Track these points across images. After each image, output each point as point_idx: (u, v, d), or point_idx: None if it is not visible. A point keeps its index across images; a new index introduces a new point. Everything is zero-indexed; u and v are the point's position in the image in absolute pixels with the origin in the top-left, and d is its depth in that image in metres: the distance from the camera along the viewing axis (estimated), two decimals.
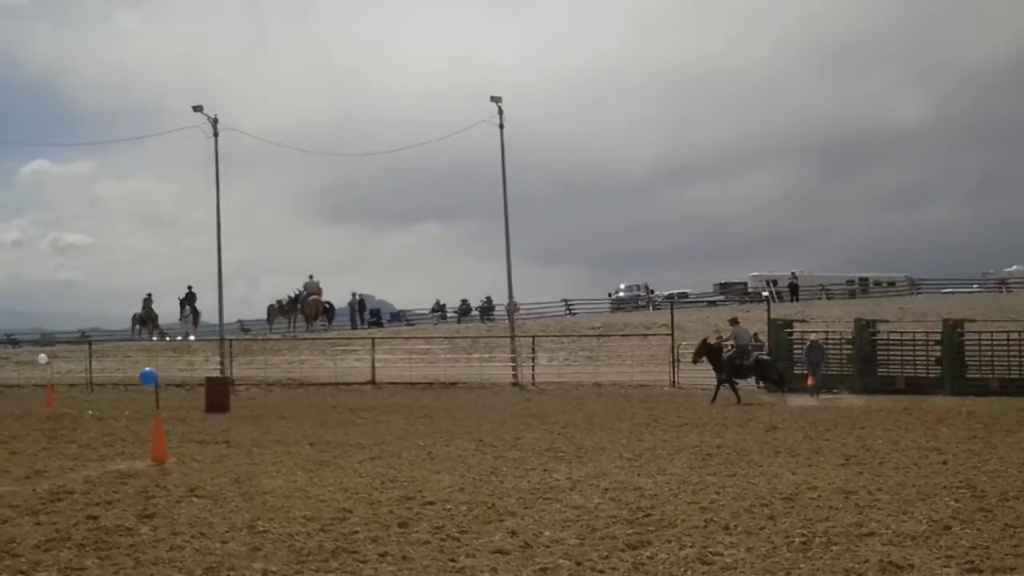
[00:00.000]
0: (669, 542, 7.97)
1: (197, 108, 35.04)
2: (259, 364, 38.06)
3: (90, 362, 36.70)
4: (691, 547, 7.78)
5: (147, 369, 15.47)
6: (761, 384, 27.77)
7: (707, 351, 26.58)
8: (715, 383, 25.91)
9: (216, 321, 40.44)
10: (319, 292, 49.60)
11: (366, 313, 53.00)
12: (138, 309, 50.30)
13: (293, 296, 50.18)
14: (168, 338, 48.83)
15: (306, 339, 45.29)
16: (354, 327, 50.86)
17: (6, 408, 25.65)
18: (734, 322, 27.93)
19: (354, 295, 52.90)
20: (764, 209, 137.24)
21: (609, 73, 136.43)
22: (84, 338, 50.30)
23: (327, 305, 50.53)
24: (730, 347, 26.57)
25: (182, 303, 49.30)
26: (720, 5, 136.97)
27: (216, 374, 31.42)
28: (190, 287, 49.67)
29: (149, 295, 50.12)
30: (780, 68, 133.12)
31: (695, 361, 27.52)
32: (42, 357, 29.50)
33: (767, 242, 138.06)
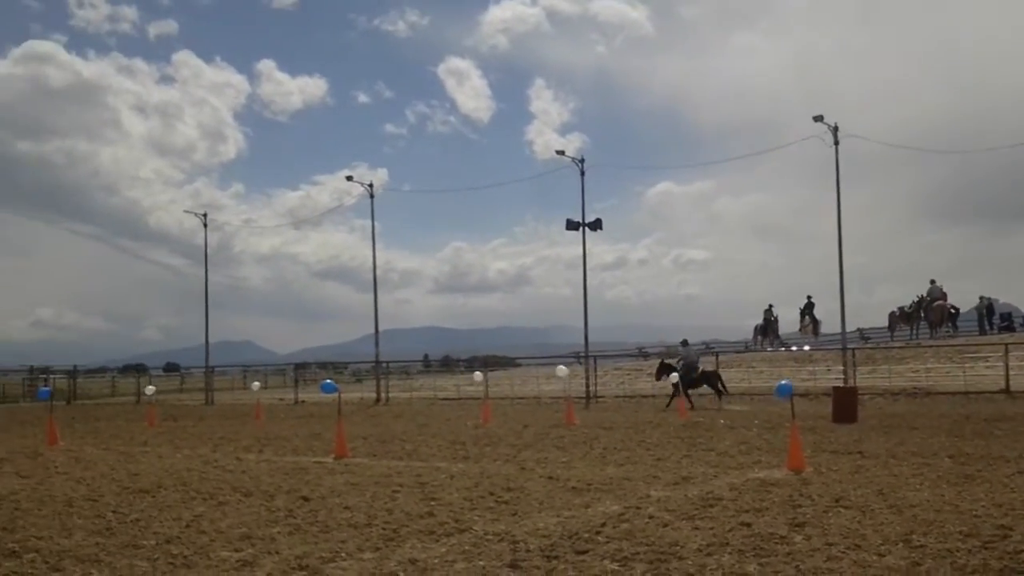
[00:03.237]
0: None
1: (817, 118, 35.06)
2: (882, 373, 37.11)
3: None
4: None
5: (784, 382, 15.74)
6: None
7: (666, 369, 31.94)
8: (682, 394, 30.49)
9: (835, 330, 40.16)
10: (943, 297, 47.29)
11: (995, 318, 49.46)
12: (758, 320, 51.65)
13: (916, 302, 48.38)
14: (784, 348, 49.40)
15: (931, 346, 43.32)
16: (982, 333, 47.77)
17: (645, 417, 27.54)
18: (684, 343, 33.58)
19: (982, 299, 49.64)
20: None
21: None
22: (709, 349, 52.58)
23: (952, 310, 48.01)
24: (681, 364, 31.55)
25: (802, 313, 49.75)
26: None
27: (839, 384, 31.16)
28: (809, 297, 50.03)
29: (770, 306, 51.23)
30: None
31: (658, 379, 32.69)
32: (560, 369, 30.97)
33: None
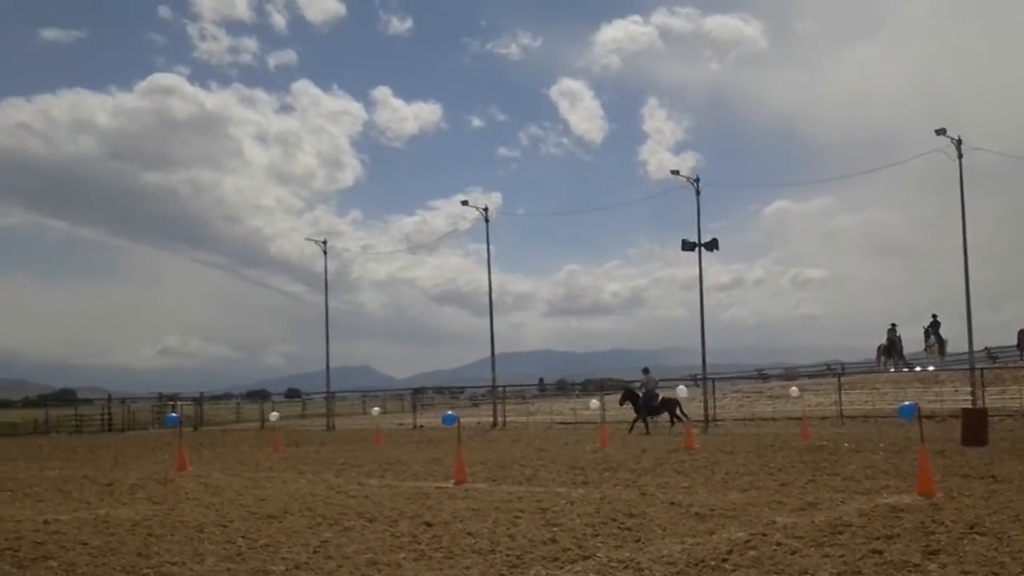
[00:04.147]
0: None
1: (940, 131, 34.35)
2: (1013, 393, 35.88)
3: (839, 394, 37.40)
4: None
5: (907, 403, 15.36)
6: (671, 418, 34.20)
7: (629, 396, 34.66)
8: (639, 419, 33.73)
9: (961, 349, 38.94)
10: None
11: None
12: (881, 340, 50.34)
13: None
14: (908, 368, 48.03)
15: None
16: None
17: (765, 440, 27.07)
18: (645, 371, 35.69)
19: None
20: None
21: None
22: (829, 371, 51.45)
23: None
24: (642, 391, 34.34)
25: (927, 332, 48.34)
26: None
27: (968, 405, 30.20)
28: (934, 315, 48.60)
29: (893, 325, 49.90)
30: None
31: (621, 404, 35.14)
32: (681, 390, 32.63)
33: None
